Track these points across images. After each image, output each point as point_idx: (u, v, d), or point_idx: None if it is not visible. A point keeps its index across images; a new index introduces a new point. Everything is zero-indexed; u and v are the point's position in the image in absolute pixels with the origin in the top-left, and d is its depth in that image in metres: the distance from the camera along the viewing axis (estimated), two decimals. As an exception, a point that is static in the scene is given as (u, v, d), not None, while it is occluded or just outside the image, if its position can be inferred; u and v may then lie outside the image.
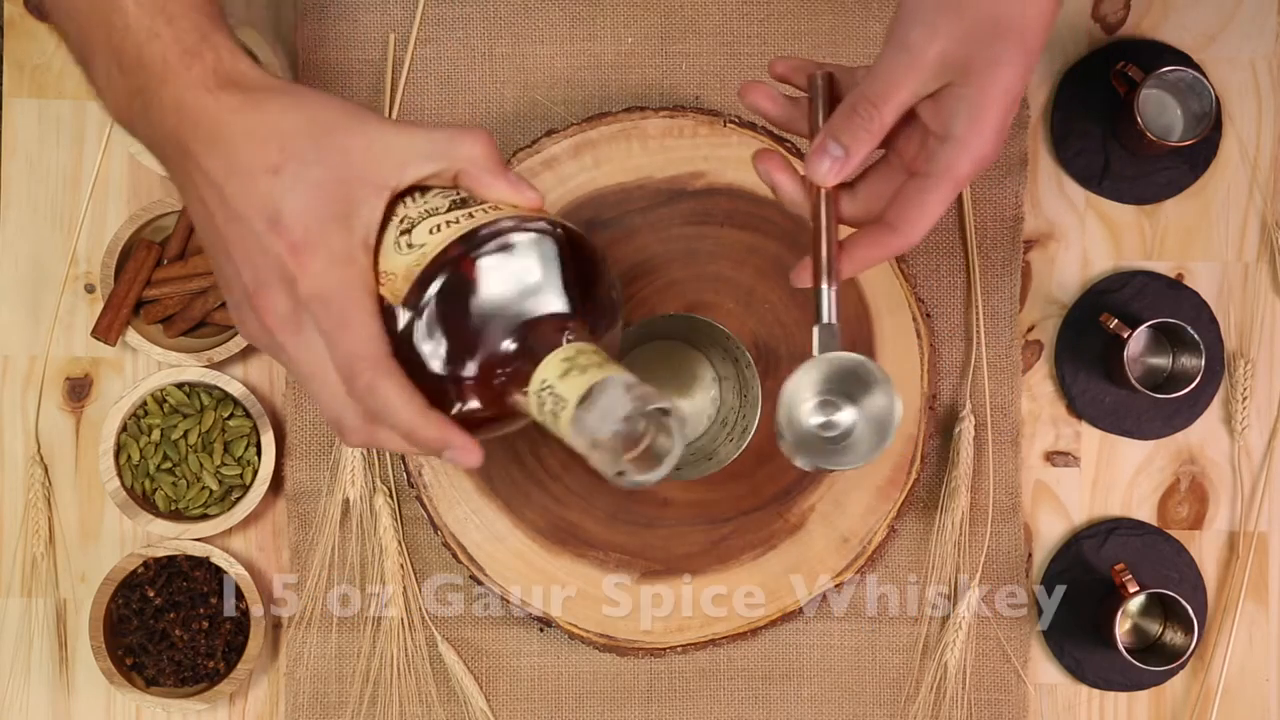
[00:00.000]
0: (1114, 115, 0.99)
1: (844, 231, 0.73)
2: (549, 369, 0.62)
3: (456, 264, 0.64)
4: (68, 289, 0.99)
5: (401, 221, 0.66)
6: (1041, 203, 1.00)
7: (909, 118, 0.71)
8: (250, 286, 0.65)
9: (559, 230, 0.67)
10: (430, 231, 0.65)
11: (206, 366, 0.96)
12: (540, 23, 0.99)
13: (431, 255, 0.64)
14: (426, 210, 0.66)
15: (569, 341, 0.63)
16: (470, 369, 0.64)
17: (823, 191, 0.71)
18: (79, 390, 0.99)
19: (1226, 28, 1.00)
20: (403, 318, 0.64)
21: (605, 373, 0.61)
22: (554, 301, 0.65)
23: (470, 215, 0.66)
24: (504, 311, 0.64)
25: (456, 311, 0.64)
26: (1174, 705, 0.99)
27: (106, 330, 0.95)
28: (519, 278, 0.64)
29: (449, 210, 0.66)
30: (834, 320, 0.71)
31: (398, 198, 0.67)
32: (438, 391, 0.65)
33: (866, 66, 0.71)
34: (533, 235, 0.65)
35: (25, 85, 0.99)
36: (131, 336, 0.95)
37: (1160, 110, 0.98)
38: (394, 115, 0.98)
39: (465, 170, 0.67)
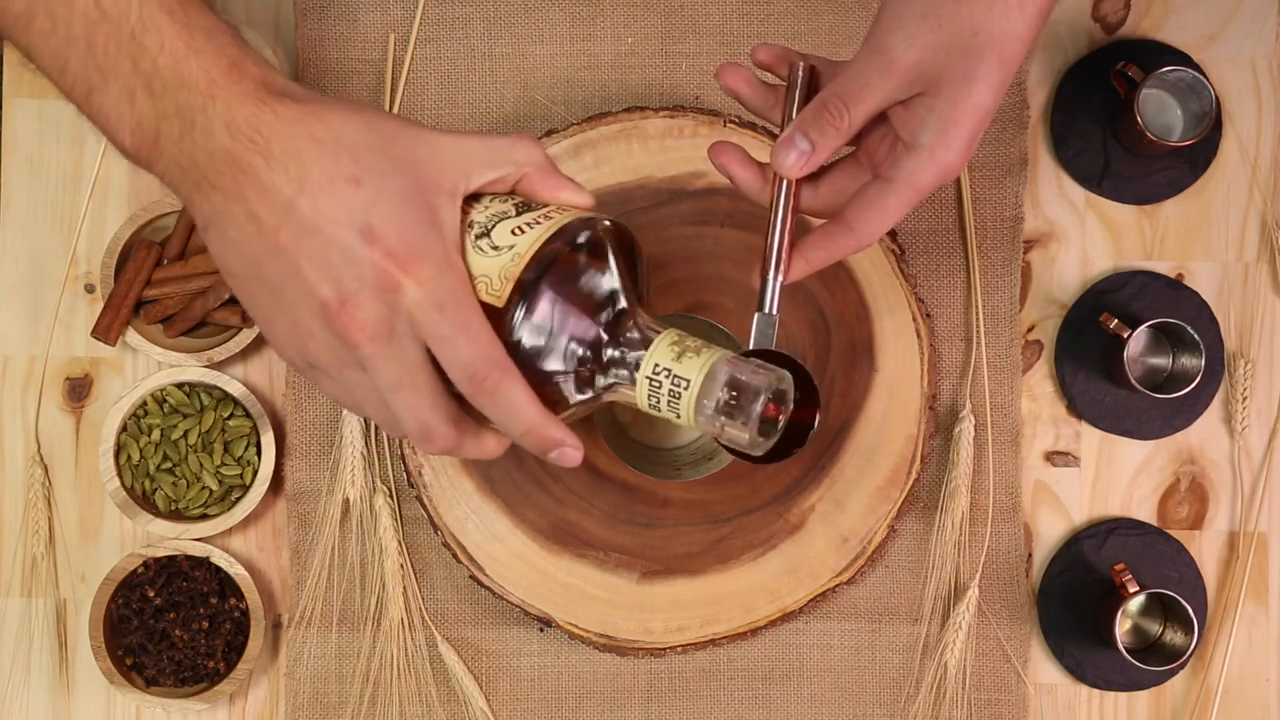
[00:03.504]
0: (1114, 115, 0.99)
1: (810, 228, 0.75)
2: (661, 354, 0.65)
3: (556, 259, 0.65)
4: (68, 289, 0.99)
5: (471, 227, 0.66)
6: (1041, 203, 1.00)
7: (881, 119, 0.71)
8: (333, 300, 0.62)
9: (619, 223, 0.69)
10: (513, 233, 0.66)
11: (206, 366, 0.96)
12: (540, 23, 0.99)
13: (531, 253, 0.65)
14: (494, 215, 0.67)
15: (654, 330, 0.66)
16: (579, 362, 0.66)
17: (783, 183, 0.72)
18: (79, 390, 0.99)
19: (1226, 28, 1.00)
20: (509, 316, 0.65)
21: (714, 353, 0.64)
22: (631, 292, 0.68)
23: (548, 216, 0.67)
24: (601, 303, 0.66)
25: (563, 305, 0.65)
26: (1174, 705, 0.99)
27: (106, 330, 0.95)
28: (608, 271, 0.67)
29: (518, 214, 0.67)
30: (774, 312, 0.73)
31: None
32: (546, 389, 0.66)
33: (848, 61, 0.71)
34: (612, 230, 0.68)
35: (25, 85, 0.99)
36: (131, 336, 0.95)
37: (1160, 110, 0.98)
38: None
39: (529, 175, 0.68)
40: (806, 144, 0.71)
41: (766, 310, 0.73)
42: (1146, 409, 0.98)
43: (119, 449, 0.96)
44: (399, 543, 0.97)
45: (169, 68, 0.61)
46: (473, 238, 0.66)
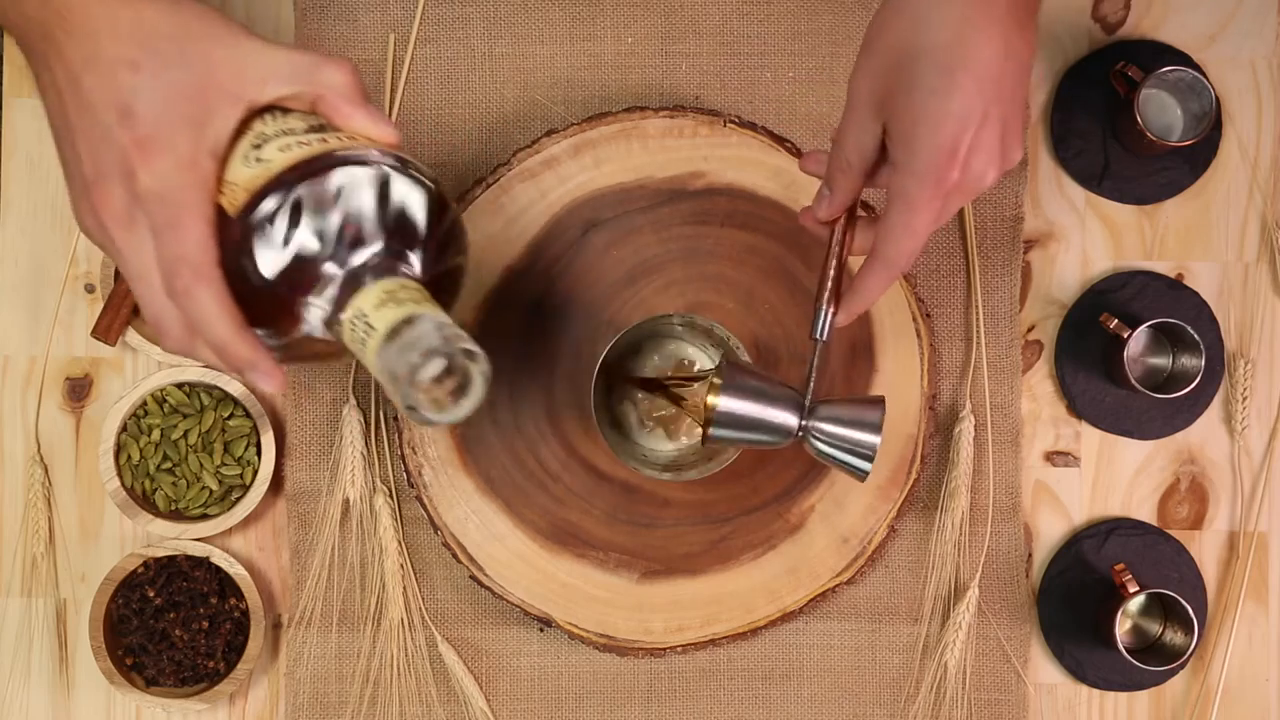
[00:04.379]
0: (1114, 115, 0.99)
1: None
2: (367, 298, 0.63)
3: (294, 184, 0.64)
4: (68, 289, 0.99)
5: (256, 137, 0.67)
6: (1041, 203, 1.00)
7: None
8: (90, 177, 0.65)
9: (410, 172, 0.67)
10: (280, 150, 0.66)
11: (206, 366, 0.96)
12: (540, 23, 0.99)
13: (275, 172, 0.65)
14: (283, 130, 0.67)
15: (393, 276, 0.65)
16: (292, 288, 0.65)
17: (835, 224, 0.78)
18: (79, 390, 0.99)
19: (1226, 28, 1.00)
20: (234, 229, 0.65)
21: (420, 309, 0.62)
22: (387, 238, 0.66)
23: (324, 140, 0.67)
24: (334, 238, 0.65)
25: (288, 230, 0.64)
26: (1174, 705, 0.99)
27: (106, 330, 0.95)
28: (356, 208, 0.65)
29: (305, 133, 0.67)
30: (822, 338, 0.78)
31: (258, 114, 0.68)
32: (258, 308, 0.65)
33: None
34: (377, 169, 0.66)
35: (25, 85, 0.99)
36: (131, 336, 0.95)
37: (1160, 110, 0.98)
38: (394, 115, 0.99)
39: (324, 97, 0.68)
40: (826, 189, 0.77)
41: (815, 335, 0.78)
42: (1146, 409, 0.98)
43: (119, 449, 0.96)
44: (399, 543, 0.97)
45: None
46: (248, 147, 0.66)
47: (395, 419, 0.95)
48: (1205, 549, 0.99)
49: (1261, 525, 0.99)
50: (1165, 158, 0.99)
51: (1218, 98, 0.96)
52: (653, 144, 0.95)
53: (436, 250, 0.68)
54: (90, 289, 0.99)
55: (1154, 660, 0.93)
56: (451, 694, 0.97)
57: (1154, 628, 0.97)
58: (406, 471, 0.95)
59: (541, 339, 0.95)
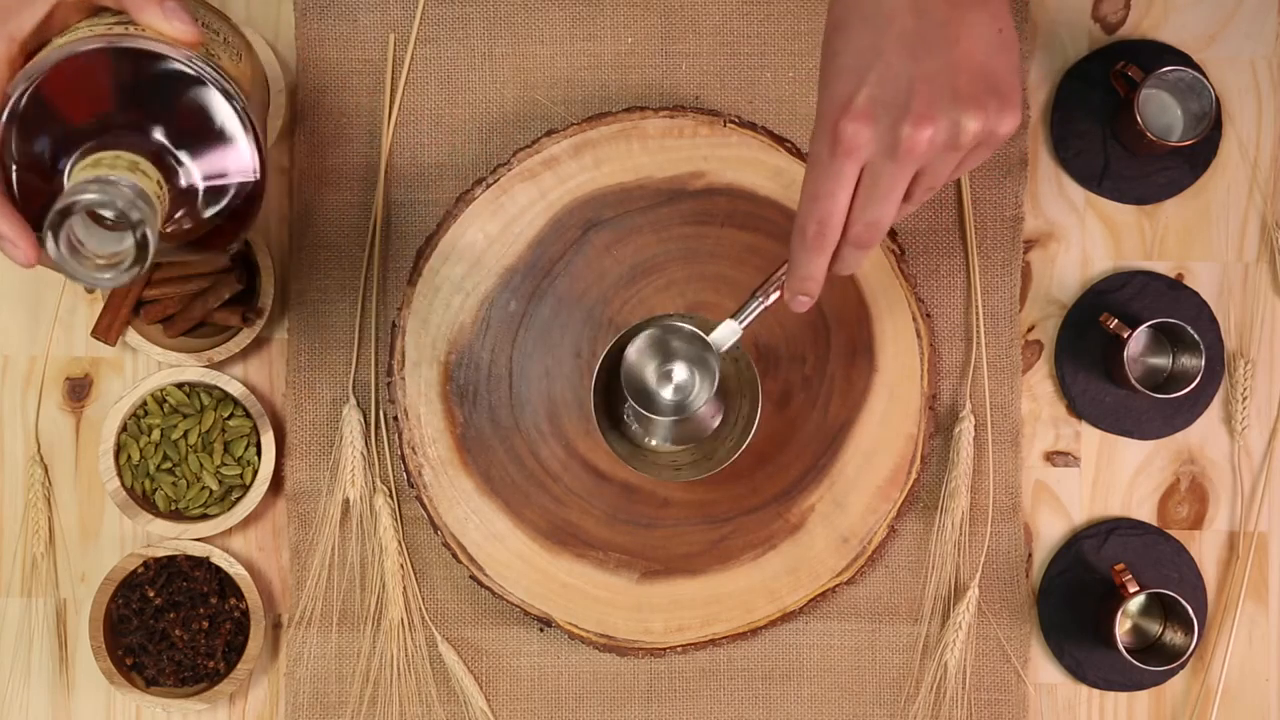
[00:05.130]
0: (1114, 115, 0.99)
1: None
2: (87, 164, 0.66)
3: (59, 64, 0.68)
4: (68, 289, 0.99)
5: (68, 31, 0.70)
6: (1041, 203, 1.00)
7: None
8: None
9: (184, 69, 0.69)
10: (65, 39, 0.69)
11: (206, 366, 0.96)
12: (540, 23, 0.99)
13: (45, 54, 0.69)
14: (90, 26, 0.70)
15: (124, 151, 0.67)
16: (36, 160, 0.68)
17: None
18: (79, 390, 0.99)
19: (1226, 28, 1.00)
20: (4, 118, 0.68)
21: (116, 174, 0.64)
22: (139, 127, 0.68)
23: (109, 29, 0.69)
24: (85, 118, 0.68)
25: (44, 106, 0.68)
26: (1174, 705, 0.99)
27: (106, 330, 0.95)
28: (109, 92, 0.68)
29: (105, 28, 0.70)
30: (742, 325, 0.82)
31: (94, 14, 0.70)
32: (22, 187, 0.68)
33: None
34: (120, 52, 0.68)
35: (25, 85, 0.99)
36: (131, 336, 0.95)
37: (1160, 110, 0.98)
38: (394, 115, 0.98)
39: None
40: None
41: (739, 319, 0.82)
42: (1146, 409, 0.98)
43: (119, 449, 0.96)
44: (399, 543, 0.97)
45: None
46: (60, 40, 0.69)
47: (395, 419, 0.95)
48: (1205, 549, 0.99)
49: (1261, 525, 0.99)
50: (1165, 158, 0.99)
51: (1218, 98, 0.96)
52: (653, 144, 0.95)
53: (188, 140, 0.69)
54: (90, 289, 0.99)
55: (1154, 660, 0.93)
56: (451, 694, 0.97)
57: (1154, 628, 0.97)
58: (406, 471, 0.95)
59: (541, 339, 0.95)
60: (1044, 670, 0.99)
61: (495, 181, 0.95)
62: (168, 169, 0.68)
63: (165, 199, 0.67)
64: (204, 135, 0.70)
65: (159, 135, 0.69)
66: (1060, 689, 0.99)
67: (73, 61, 0.68)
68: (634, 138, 0.95)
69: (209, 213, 0.71)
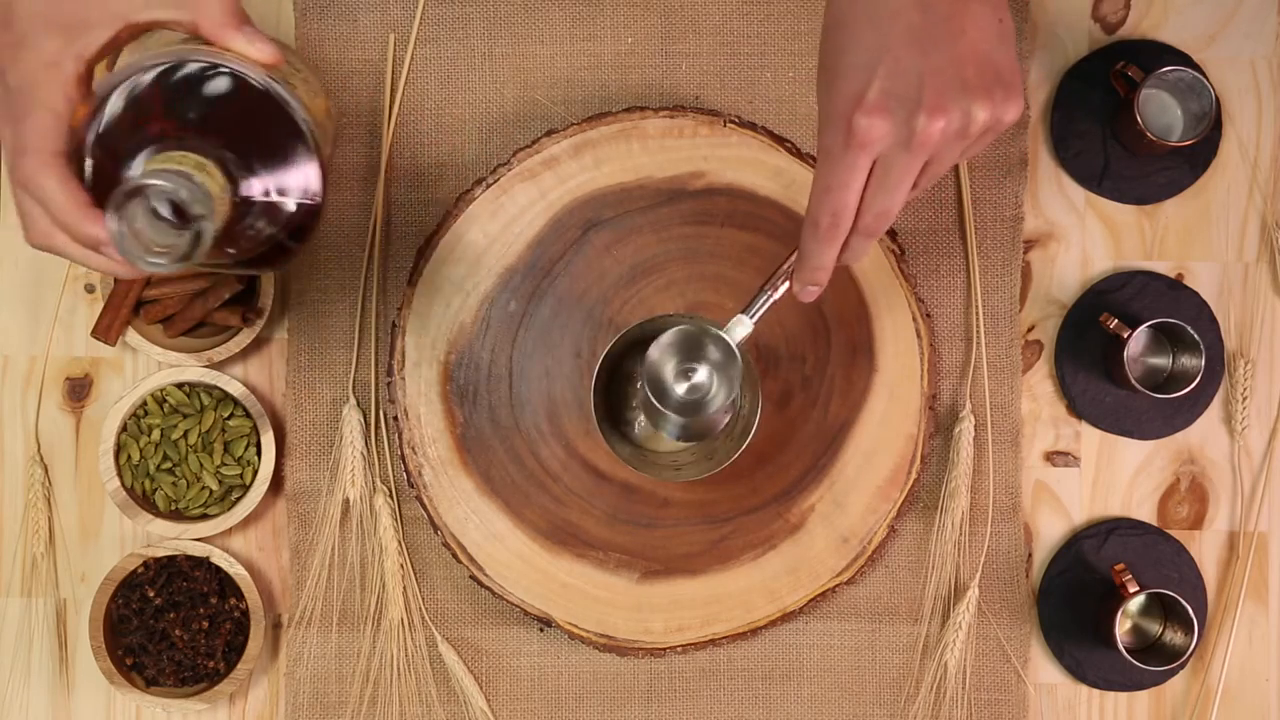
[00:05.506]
0: (1114, 115, 0.99)
1: None
2: (158, 159, 0.68)
3: (140, 79, 0.70)
4: (68, 289, 0.99)
5: (155, 45, 0.72)
6: (1041, 203, 1.00)
7: None
8: None
9: (262, 87, 0.71)
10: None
11: (206, 366, 0.96)
12: (540, 23, 0.99)
13: (128, 62, 0.71)
14: (170, 43, 0.72)
15: (191, 153, 0.69)
16: (115, 164, 0.70)
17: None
18: (79, 390, 0.99)
19: (1226, 28, 1.00)
20: (86, 121, 0.71)
21: (184, 169, 0.66)
22: (210, 135, 0.70)
23: (190, 45, 0.72)
24: (161, 125, 0.70)
25: (126, 112, 0.70)
26: (1174, 705, 0.99)
27: (106, 330, 0.95)
28: (187, 103, 0.71)
29: (184, 44, 0.72)
30: (752, 319, 0.82)
31: (152, 34, 0.72)
32: (93, 175, 0.71)
33: None
34: (199, 66, 0.71)
35: (25, 85, 0.99)
36: (131, 336, 0.95)
37: (1160, 110, 0.98)
38: (394, 115, 0.98)
39: (200, 22, 0.71)
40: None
41: (749, 314, 0.82)
42: (1146, 409, 0.98)
43: (119, 449, 0.96)
44: (399, 543, 0.97)
45: None
46: (137, 56, 0.72)
47: (395, 419, 0.95)
48: (1205, 549, 0.99)
49: (1261, 525, 0.99)
50: (1165, 158, 0.99)
51: (1218, 98, 0.96)
52: (653, 144, 0.95)
53: (256, 154, 0.71)
54: (90, 289, 0.99)
55: (1154, 660, 0.93)
56: (451, 694, 0.97)
57: (1154, 628, 0.97)
58: (406, 471, 0.95)
59: (541, 339, 0.95)
60: (1044, 670, 0.99)
61: (495, 181, 0.95)
62: (232, 177, 0.70)
63: (226, 203, 0.69)
64: (271, 152, 0.72)
65: (229, 146, 0.71)
66: (1060, 689, 0.99)
67: (157, 72, 0.70)
68: (634, 138, 0.95)
69: (266, 229, 0.72)
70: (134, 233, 0.66)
